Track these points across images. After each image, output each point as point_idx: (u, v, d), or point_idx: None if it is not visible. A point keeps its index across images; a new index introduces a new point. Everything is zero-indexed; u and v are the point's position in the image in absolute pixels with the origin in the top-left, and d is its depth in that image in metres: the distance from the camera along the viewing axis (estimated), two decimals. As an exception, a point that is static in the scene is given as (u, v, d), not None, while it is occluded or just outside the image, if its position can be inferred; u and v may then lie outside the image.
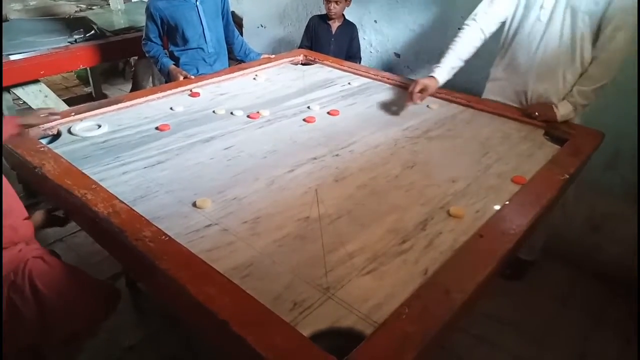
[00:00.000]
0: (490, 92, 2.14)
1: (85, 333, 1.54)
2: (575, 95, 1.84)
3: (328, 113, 1.98)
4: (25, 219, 1.46)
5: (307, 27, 3.08)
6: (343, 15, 2.99)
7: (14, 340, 1.39)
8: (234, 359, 1.04)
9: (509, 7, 1.93)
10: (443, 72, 1.97)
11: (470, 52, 1.99)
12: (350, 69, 2.50)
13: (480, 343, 2.08)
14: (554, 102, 1.91)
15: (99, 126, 1.71)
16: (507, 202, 1.39)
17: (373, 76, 2.41)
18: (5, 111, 2.92)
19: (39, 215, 1.53)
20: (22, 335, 1.40)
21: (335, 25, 2.99)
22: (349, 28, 3.03)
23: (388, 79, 2.36)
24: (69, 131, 1.71)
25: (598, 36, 1.77)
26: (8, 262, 1.38)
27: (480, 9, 1.97)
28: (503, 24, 2.00)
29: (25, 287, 1.38)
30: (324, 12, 2.99)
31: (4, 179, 1.43)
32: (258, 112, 1.95)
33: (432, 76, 1.96)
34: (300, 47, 3.00)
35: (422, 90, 1.93)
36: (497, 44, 2.08)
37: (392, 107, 2.06)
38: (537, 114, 1.88)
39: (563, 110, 1.85)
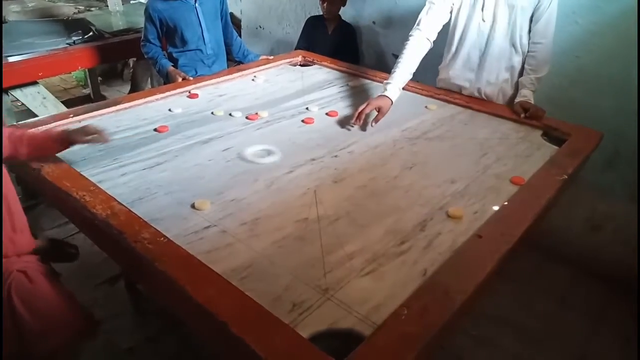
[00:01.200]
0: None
1: (59, 355, 1.47)
2: (535, 82, 2.00)
3: (327, 114, 1.98)
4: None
5: (304, 28, 3.09)
6: (339, 16, 3.00)
7: None
8: (234, 361, 1.04)
9: (446, 11, 2.03)
10: (396, 89, 1.92)
11: (418, 63, 2.01)
12: (348, 70, 2.50)
13: (480, 343, 2.08)
14: (507, 87, 2.09)
15: (269, 152, 1.64)
16: (506, 203, 1.39)
17: (371, 77, 2.41)
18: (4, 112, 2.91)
19: (41, 242, 1.49)
20: (2, 344, 1.38)
21: (331, 26, 2.99)
22: (346, 29, 3.03)
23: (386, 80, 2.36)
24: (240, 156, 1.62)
25: (531, 21, 1.96)
26: None
27: (421, 18, 2.01)
28: (445, 28, 2.08)
29: (4, 298, 1.36)
30: (321, 13, 3.00)
31: (12, 188, 1.42)
32: (257, 113, 1.95)
33: (384, 95, 1.88)
34: (297, 48, 3.01)
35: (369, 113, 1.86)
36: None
37: (390, 108, 2.05)
38: (527, 114, 1.92)
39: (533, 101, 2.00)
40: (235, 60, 2.82)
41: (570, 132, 1.82)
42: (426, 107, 2.08)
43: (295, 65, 2.64)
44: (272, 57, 2.67)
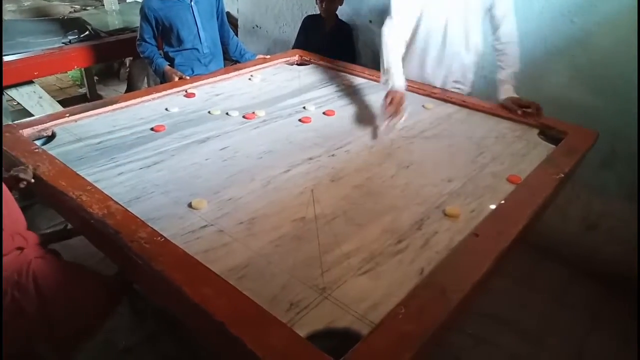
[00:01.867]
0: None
1: (89, 330, 1.54)
2: (513, 77, 2.05)
3: (324, 113, 1.98)
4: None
5: (301, 27, 3.10)
6: (336, 15, 3.00)
7: (18, 339, 1.39)
8: (231, 360, 1.04)
9: (414, 13, 2.10)
10: (402, 80, 1.93)
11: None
12: (345, 70, 2.50)
13: (478, 343, 2.08)
14: (460, 86, 2.24)
15: None
16: (503, 202, 1.40)
17: (368, 76, 2.41)
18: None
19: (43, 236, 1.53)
20: (26, 334, 1.41)
21: (328, 25, 3.00)
22: (343, 28, 3.04)
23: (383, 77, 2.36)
24: None
25: (482, 20, 2.10)
26: (11, 263, 1.38)
27: (393, 25, 2.03)
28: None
29: (30, 286, 1.38)
30: (318, 12, 3.00)
31: (8, 192, 1.43)
32: (254, 113, 1.95)
33: (396, 90, 1.87)
34: (295, 47, 3.01)
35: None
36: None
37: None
38: (527, 110, 1.95)
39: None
40: (231, 60, 2.82)
41: (566, 131, 1.82)
42: (423, 106, 2.09)
43: (292, 64, 2.64)
44: (268, 57, 2.67)
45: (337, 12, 3.01)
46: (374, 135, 1.82)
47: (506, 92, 2.01)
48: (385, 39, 2.01)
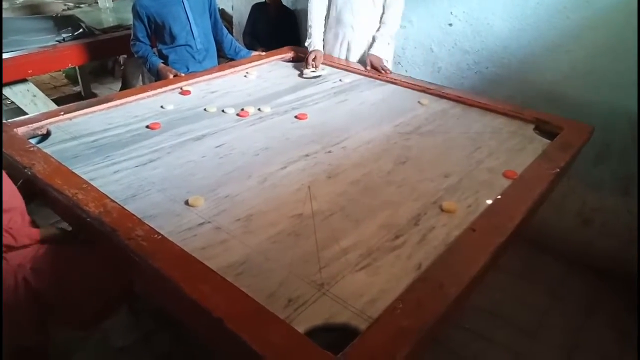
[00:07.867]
0: (327, 42, 2.65)
1: (109, 310, 1.57)
2: (388, 35, 2.48)
3: (319, 110, 1.98)
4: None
5: (249, 14, 3.23)
6: (280, 1, 3.16)
7: (33, 325, 1.44)
8: (230, 357, 1.04)
9: None
10: (320, 42, 2.54)
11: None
12: (341, 66, 2.50)
13: (474, 337, 2.09)
14: (369, 37, 2.53)
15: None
16: (499, 197, 1.40)
17: (364, 73, 2.41)
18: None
19: (48, 229, 1.53)
20: (40, 318, 1.45)
21: (273, 11, 3.14)
22: (287, 14, 3.20)
23: (379, 75, 2.36)
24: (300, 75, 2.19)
25: None
26: (25, 253, 1.42)
27: None
28: None
29: (45, 273, 1.41)
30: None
31: (10, 183, 1.42)
32: (244, 109, 1.94)
33: (316, 50, 2.47)
34: (244, 35, 3.13)
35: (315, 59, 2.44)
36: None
37: (383, 104, 2.06)
38: (369, 67, 2.41)
39: (383, 54, 2.47)
40: (226, 58, 2.81)
41: (562, 126, 1.83)
42: (419, 102, 2.09)
43: (287, 61, 2.64)
44: (264, 54, 2.66)
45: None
46: (300, 75, 2.40)
47: (375, 48, 2.45)
48: (309, 8, 2.55)
